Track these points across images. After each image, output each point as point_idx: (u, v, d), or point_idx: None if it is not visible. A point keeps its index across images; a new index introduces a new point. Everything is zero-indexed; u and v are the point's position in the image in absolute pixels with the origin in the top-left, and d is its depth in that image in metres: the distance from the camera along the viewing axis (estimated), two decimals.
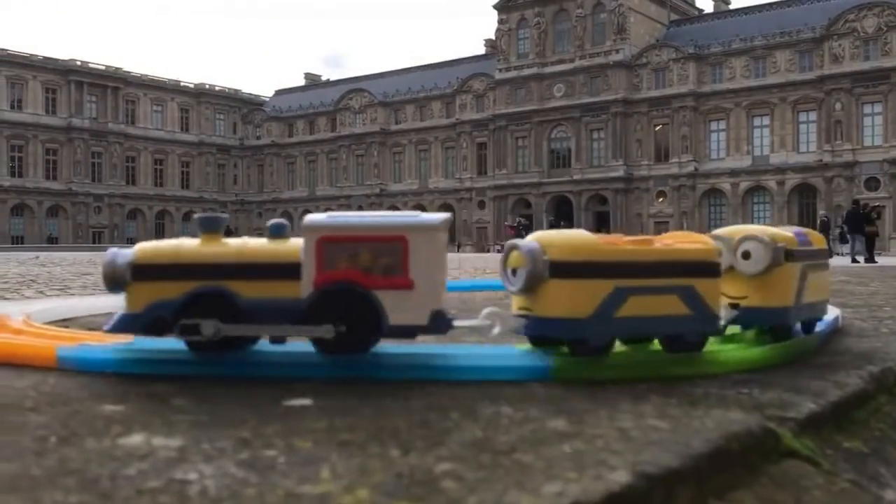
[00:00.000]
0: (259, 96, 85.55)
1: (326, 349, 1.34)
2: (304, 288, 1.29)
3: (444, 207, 69.20)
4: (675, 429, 0.99)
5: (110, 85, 71.93)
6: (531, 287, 1.35)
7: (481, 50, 73.46)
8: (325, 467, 0.81)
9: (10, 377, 1.33)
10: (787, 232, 1.65)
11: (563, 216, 62.16)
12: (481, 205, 66.60)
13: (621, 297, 1.34)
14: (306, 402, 1.11)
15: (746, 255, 1.61)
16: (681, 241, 1.50)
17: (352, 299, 1.28)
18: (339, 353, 1.34)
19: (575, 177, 61.31)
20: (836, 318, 2.19)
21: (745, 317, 1.63)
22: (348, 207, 73.47)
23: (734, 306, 1.61)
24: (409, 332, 1.34)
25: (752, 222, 55.38)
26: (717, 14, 63.88)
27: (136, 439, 0.90)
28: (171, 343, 1.40)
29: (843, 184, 52.25)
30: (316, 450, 0.87)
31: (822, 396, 1.29)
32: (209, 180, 79.52)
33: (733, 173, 56.36)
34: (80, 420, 1.00)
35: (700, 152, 57.83)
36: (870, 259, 21.34)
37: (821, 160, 53.10)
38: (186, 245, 1.36)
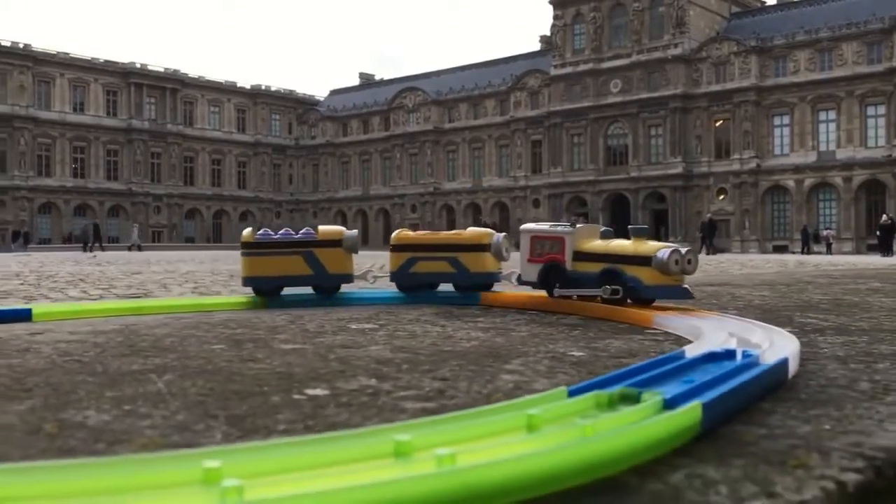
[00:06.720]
0: (313, 96, 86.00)
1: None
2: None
3: (499, 206, 68.62)
4: None
5: (168, 87, 73.07)
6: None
7: (536, 46, 72.64)
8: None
9: None
10: None
11: (619, 214, 61.11)
12: (536, 203, 65.76)
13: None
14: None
15: None
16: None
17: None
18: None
19: (632, 174, 60.14)
20: (783, 363, 1.31)
21: None
22: (402, 206, 73.44)
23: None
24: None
25: (818, 220, 53.78)
26: (780, 6, 61.98)
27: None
28: None
29: None
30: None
31: None
32: (265, 180, 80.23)
33: (797, 170, 54.63)
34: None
35: (762, 148, 56.20)
36: None
37: (890, 155, 51.16)
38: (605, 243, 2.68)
